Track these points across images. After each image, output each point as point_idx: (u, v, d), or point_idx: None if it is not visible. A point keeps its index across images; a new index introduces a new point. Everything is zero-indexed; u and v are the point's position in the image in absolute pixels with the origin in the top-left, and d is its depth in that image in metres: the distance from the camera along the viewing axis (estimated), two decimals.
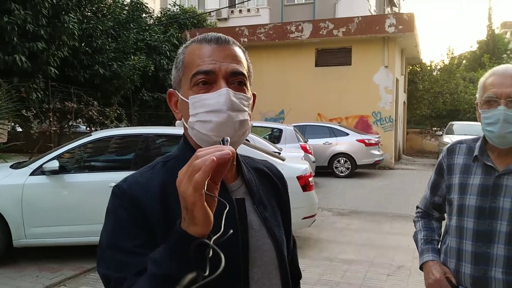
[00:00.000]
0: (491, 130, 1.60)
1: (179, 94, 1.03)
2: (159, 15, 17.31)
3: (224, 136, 0.92)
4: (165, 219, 0.93)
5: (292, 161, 5.93)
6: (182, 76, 1.02)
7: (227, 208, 0.82)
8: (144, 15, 15.25)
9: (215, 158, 0.76)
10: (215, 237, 0.79)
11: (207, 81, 0.97)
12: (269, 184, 1.17)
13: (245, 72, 1.02)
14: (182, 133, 1.09)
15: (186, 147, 1.05)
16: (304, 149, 10.03)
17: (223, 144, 0.88)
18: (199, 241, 0.78)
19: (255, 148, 5.57)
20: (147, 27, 14.77)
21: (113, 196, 0.98)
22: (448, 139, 14.52)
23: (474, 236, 1.65)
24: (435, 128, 23.10)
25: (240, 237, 0.98)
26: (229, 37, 1.03)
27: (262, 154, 5.30)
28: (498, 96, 1.58)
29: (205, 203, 0.77)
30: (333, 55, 15.59)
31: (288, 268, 1.11)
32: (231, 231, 0.82)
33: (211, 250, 0.77)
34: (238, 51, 1.03)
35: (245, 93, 1.01)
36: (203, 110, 0.96)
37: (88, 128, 11.91)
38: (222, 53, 1.00)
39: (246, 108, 1.00)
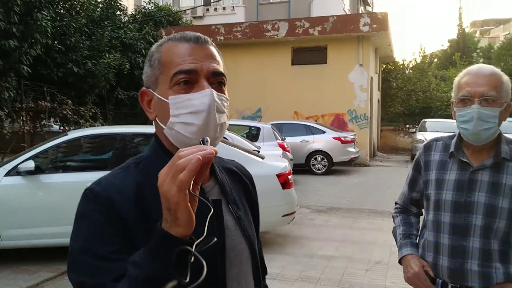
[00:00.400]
0: (465, 127, 1.66)
1: (155, 94, 1.00)
2: (133, 12, 17.09)
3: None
4: (142, 221, 0.92)
5: (272, 159, 5.98)
6: (159, 75, 0.99)
7: (211, 212, 0.82)
8: (118, 12, 15.02)
9: (200, 157, 0.76)
10: (197, 241, 0.79)
11: (188, 81, 0.96)
12: (239, 183, 1.18)
13: (224, 72, 1.02)
14: None
15: (159, 147, 1.03)
16: (282, 147, 10.10)
17: (203, 144, 0.87)
18: (182, 248, 0.77)
19: (235, 146, 5.59)
20: (121, 25, 14.57)
21: (85, 200, 0.94)
22: (421, 136, 14.84)
23: (451, 230, 1.71)
24: (408, 126, 23.58)
25: (218, 237, 0.98)
26: (206, 36, 1.03)
27: (242, 153, 5.33)
28: (472, 95, 1.63)
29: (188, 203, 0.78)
30: (309, 54, 15.71)
31: (259, 265, 1.13)
32: (215, 239, 0.81)
33: (192, 256, 0.77)
34: (215, 51, 1.03)
35: (225, 93, 1.01)
36: (186, 111, 0.94)
37: (61, 128, 11.68)
38: (202, 52, 0.99)
39: (226, 110, 1.00)
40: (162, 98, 0.98)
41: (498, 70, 1.68)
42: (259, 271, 1.13)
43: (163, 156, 1.00)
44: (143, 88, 1.05)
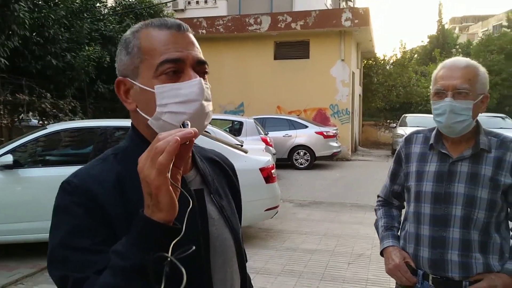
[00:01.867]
0: (439, 120, 1.69)
1: (136, 83, 0.96)
2: (113, 4, 16.81)
3: (198, 125, 0.90)
4: (123, 211, 0.90)
5: (255, 153, 5.98)
6: (140, 63, 0.95)
7: (190, 206, 0.81)
8: (98, 4, 14.75)
9: (178, 138, 0.75)
10: (173, 241, 0.77)
11: (176, 70, 0.93)
12: (222, 172, 1.17)
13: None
14: None
15: (137, 137, 1.01)
16: (265, 141, 10.11)
17: (183, 127, 0.86)
18: (158, 254, 0.76)
19: (217, 140, 5.57)
20: (101, 17, 14.33)
21: (63, 193, 0.92)
22: (402, 131, 15.03)
23: (431, 221, 1.73)
24: (389, 121, 23.85)
25: (201, 227, 0.98)
26: (185, 24, 1.01)
27: (225, 147, 5.31)
28: (446, 88, 1.65)
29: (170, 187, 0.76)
30: (291, 48, 15.74)
31: (243, 254, 1.14)
32: (193, 247, 0.80)
33: (169, 262, 0.76)
34: (194, 39, 1.01)
35: (207, 82, 1.00)
36: (174, 100, 0.92)
37: (40, 122, 11.45)
38: (185, 40, 0.96)
39: (211, 98, 0.99)
40: (146, 87, 0.94)
41: (474, 63, 1.69)
42: (243, 260, 1.14)
43: (141, 145, 0.97)
44: (120, 77, 1.00)
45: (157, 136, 0.77)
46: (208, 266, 0.99)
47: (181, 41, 0.96)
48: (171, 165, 0.76)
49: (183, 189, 0.82)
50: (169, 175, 0.76)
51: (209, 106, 0.97)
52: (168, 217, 0.78)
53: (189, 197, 0.81)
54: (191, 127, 0.88)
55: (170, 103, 0.92)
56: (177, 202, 0.78)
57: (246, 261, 1.27)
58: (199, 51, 0.99)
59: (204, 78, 0.98)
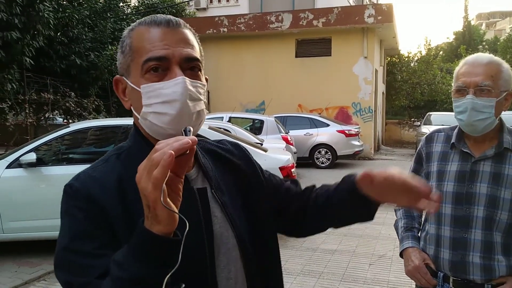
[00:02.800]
0: (460, 118, 1.64)
1: (128, 81, 0.96)
2: (136, 4, 17.03)
3: (182, 126, 0.87)
4: (125, 215, 0.90)
5: (275, 152, 5.94)
6: (131, 62, 0.95)
7: (187, 229, 0.78)
8: (121, 4, 14.99)
9: (173, 152, 0.72)
10: (169, 274, 0.77)
11: (159, 68, 0.91)
12: (225, 166, 1.11)
13: (199, 57, 0.97)
14: None
15: (139, 137, 1.00)
16: (286, 140, 10.06)
17: (185, 134, 0.83)
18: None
19: (237, 139, 5.56)
20: (124, 17, 14.54)
21: (65, 196, 0.92)
22: (426, 129, 14.71)
23: (452, 222, 1.69)
24: (413, 119, 23.42)
25: (204, 226, 0.96)
26: (179, 19, 0.97)
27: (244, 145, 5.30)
28: (467, 85, 1.60)
29: (168, 199, 0.74)
30: (313, 46, 15.61)
31: (249, 252, 1.05)
32: (183, 286, 0.80)
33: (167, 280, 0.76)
34: (190, 34, 0.98)
35: (201, 79, 0.96)
36: (158, 100, 0.90)
37: (65, 120, 11.70)
38: (174, 37, 0.94)
39: (202, 97, 0.95)
40: (135, 86, 0.94)
41: (496, 59, 1.64)
42: (249, 259, 1.05)
43: (143, 145, 0.97)
44: (117, 76, 1.01)
45: (155, 146, 0.75)
46: (212, 265, 0.97)
47: (169, 38, 0.93)
48: (172, 174, 0.75)
49: (186, 189, 0.81)
50: (162, 198, 0.72)
51: (196, 105, 0.93)
52: (167, 229, 0.76)
53: (185, 220, 0.78)
54: (175, 128, 0.87)
55: (155, 103, 0.91)
56: (176, 215, 0.76)
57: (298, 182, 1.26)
58: (190, 47, 0.96)
59: (195, 76, 0.95)
